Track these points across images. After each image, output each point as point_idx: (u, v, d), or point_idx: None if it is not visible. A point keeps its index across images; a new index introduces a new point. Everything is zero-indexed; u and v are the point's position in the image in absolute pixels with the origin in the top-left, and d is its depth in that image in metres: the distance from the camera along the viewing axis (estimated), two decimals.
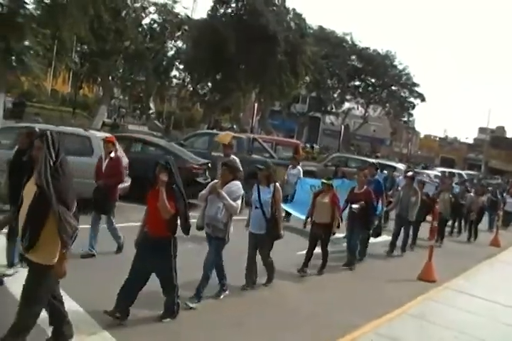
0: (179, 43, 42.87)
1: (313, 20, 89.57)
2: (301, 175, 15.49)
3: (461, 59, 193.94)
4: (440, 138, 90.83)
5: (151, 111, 53.43)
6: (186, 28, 40.20)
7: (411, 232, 13.47)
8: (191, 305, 7.06)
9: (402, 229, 12.91)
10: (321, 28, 54.42)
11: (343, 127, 56.65)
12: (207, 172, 14.85)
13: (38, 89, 33.45)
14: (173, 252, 6.24)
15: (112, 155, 9.47)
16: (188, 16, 41.33)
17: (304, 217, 11.08)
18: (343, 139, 57.01)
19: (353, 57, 57.41)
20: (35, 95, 39.80)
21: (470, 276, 11.73)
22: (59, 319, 5.20)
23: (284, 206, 13.79)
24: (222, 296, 7.62)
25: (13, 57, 21.56)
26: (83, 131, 13.41)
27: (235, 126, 46.14)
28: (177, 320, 6.53)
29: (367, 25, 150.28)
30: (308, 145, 46.58)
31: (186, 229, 6.28)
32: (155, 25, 40.85)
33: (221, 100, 40.98)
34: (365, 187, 10.94)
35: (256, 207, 8.17)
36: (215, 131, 25.91)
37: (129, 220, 10.02)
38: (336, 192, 10.37)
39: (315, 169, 21.93)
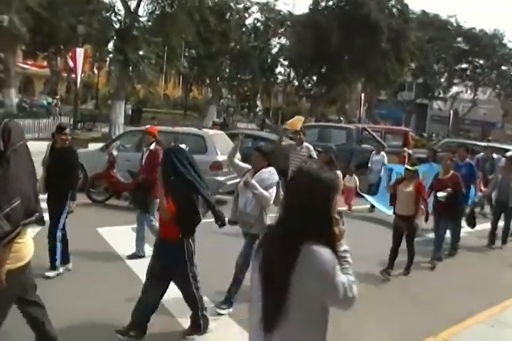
0: (283, 40, 43.48)
1: (415, 5, 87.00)
2: (386, 161, 14.68)
3: None
4: None
5: (258, 109, 54.47)
6: (289, 24, 40.73)
7: None
8: (222, 311, 6.21)
9: (503, 216, 11.46)
10: (424, 12, 52.95)
11: (451, 112, 54.87)
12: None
13: (152, 95, 35.36)
14: (186, 257, 5.26)
15: (152, 147, 8.85)
16: (290, 12, 41.89)
17: (389, 211, 10.57)
18: (452, 125, 55.25)
19: (459, 39, 55.22)
20: (150, 101, 41.97)
21: None
22: (36, 327, 4.56)
23: (367, 197, 13.80)
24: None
25: (130, 67, 23.03)
26: (197, 129, 14.32)
27: (341, 118, 46.10)
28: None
29: (472, 6, 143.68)
30: (416, 133, 45.67)
31: (186, 230, 5.27)
32: (258, 24, 41.77)
33: (327, 92, 41.15)
34: (451, 172, 9.72)
35: None
36: (324, 123, 26.26)
37: None
38: (423, 180, 9.58)
39: (425, 156, 21.60)
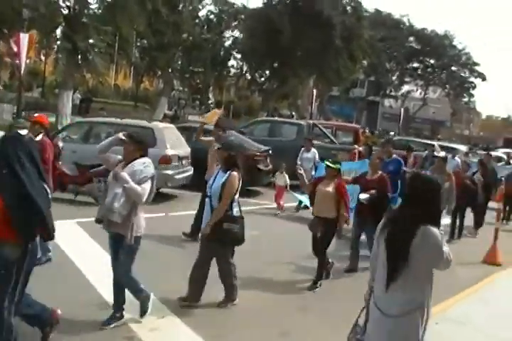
0: (236, 33, 43.31)
1: (369, 4, 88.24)
2: (317, 159, 13.66)
3: None
4: (503, 118, 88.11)
5: (210, 102, 54.16)
6: (242, 17, 40.56)
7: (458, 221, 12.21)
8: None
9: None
10: (377, 11, 53.73)
11: (402, 110, 55.88)
12: (268, 159, 15.19)
13: (102, 85, 34.62)
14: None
15: (38, 138, 7.72)
16: (243, 6, 41.80)
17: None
18: (402, 122, 56.23)
19: (411, 38, 56.50)
20: (100, 91, 41.08)
21: None
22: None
23: (297, 195, 12.98)
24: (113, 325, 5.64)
25: (79, 56, 22.42)
26: (146, 122, 14.03)
27: (293, 113, 46.25)
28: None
29: (424, 6, 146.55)
30: (367, 131, 46.24)
31: (27, 232, 4.25)
32: (211, 17, 41.45)
33: (279, 87, 41.21)
34: (379, 172, 8.90)
35: (207, 196, 6.59)
36: (276, 118, 26.27)
37: (188, 209, 10.45)
38: (349, 177, 9.15)
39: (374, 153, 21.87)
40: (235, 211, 6.48)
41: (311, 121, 20.89)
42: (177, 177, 12.91)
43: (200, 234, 6.91)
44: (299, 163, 13.11)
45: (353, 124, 29.69)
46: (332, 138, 19.13)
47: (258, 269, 8.12)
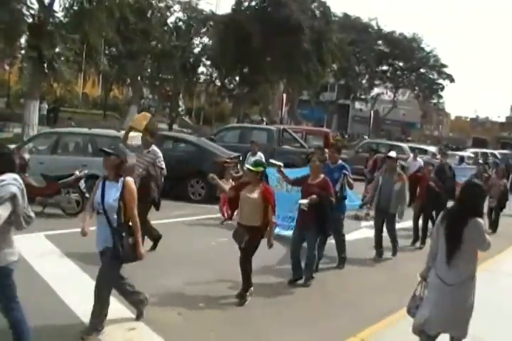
0: (205, 40, 43.17)
1: (337, 8, 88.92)
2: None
3: (490, 35, 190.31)
4: (471, 118, 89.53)
5: (180, 109, 53.88)
6: (211, 23, 40.46)
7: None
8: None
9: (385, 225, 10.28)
10: (345, 14, 54.12)
11: (372, 113, 56.38)
12: (238, 166, 15.17)
13: (70, 94, 34.16)
14: None
15: None
16: (212, 12, 41.66)
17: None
18: (373, 125, 56.71)
19: (380, 42, 56.98)
20: (68, 100, 40.55)
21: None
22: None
23: None
24: None
25: (45, 65, 22.06)
26: (116, 131, 13.93)
27: (264, 118, 46.27)
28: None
29: (391, 10, 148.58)
30: (338, 134, 46.55)
31: None
32: (180, 23, 41.24)
33: (249, 93, 41.16)
34: (321, 176, 8.19)
35: (98, 212, 5.66)
36: (245, 124, 26.26)
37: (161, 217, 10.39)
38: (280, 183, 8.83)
39: (346, 156, 21.96)
40: None
41: (281, 126, 20.94)
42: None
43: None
44: (244, 168, 12.12)
45: (323, 128, 29.74)
46: (302, 142, 19.20)
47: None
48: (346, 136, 50.13)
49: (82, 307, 6.08)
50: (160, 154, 9.36)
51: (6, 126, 28.37)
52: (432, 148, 28.19)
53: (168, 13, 39.61)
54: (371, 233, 10.90)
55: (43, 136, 14.82)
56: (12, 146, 14.01)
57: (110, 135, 13.52)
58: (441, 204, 11.16)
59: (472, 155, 26.84)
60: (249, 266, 7.15)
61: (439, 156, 22.57)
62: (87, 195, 11.88)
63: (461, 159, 23.33)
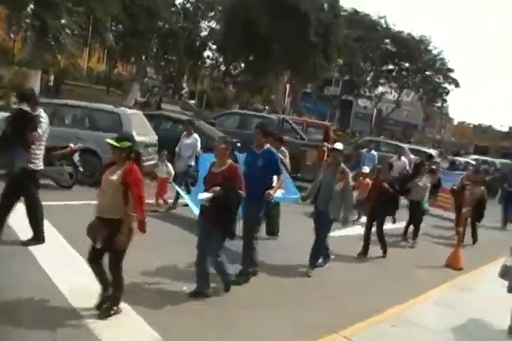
0: (212, 24, 42.87)
1: (346, 3, 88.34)
2: (199, 147, 11.87)
3: (499, 44, 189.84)
4: (474, 125, 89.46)
5: (183, 91, 53.68)
6: (220, 8, 40.12)
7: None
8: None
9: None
10: (355, 10, 53.75)
11: (375, 111, 56.20)
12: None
13: (74, 68, 33.85)
14: None
15: None
16: None
17: (196, 211, 7.83)
18: (375, 123, 56.62)
19: (387, 40, 56.57)
20: (72, 73, 40.19)
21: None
22: None
23: (178, 189, 10.74)
24: None
25: (50, 36, 21.81)
26: (113, 107, 13.72)
27: (267, 107, 46.06)
28: None
29: (401, 9, 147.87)
30: (337, 127, 46.41)
31: None
32: (188, 5, 40.88)
33: (253, 81, 40.93)
34: (228, 162, 6.55)
35: None
36: (245, 111, 26.02)
37: None
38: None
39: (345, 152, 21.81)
40: None
41: (281, 116, 20.69)
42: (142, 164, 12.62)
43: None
44: (177, 150, 11.89)
45: (324, 122, 29.50)
46: (302, 134, 18.97)
47: None
48: (349, 132, 49.98)
49: (68, 282, 5.99)
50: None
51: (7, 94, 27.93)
52: (433, 151, 28.12)
53: None
54: (390, 225, 10.99)
55: (41, 106, 14.54)
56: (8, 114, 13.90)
57: (107, 110, 13.35)
58: (393, 207, 10.45)
59: (473, 162, 26.63)
60: (120, 270, 5.60)
61: (438, 159, 22.61)
62: (80, 169, 11.74)
63: (452, 163, 22.93)
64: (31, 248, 7.29)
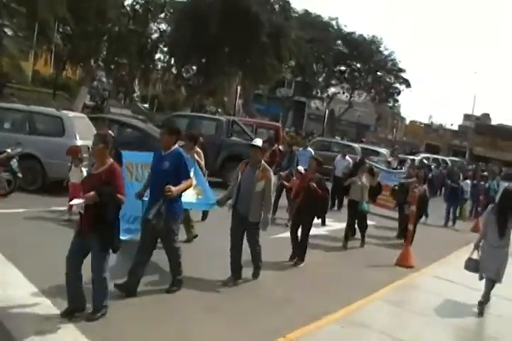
0: (163, 26, 42.46)
1: (298, 4, 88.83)
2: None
3: (447, 45, 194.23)
4: (425, 124, 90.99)
5: (135, 95, 53.00)
6: (171, 10, 39.73)
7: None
8: None
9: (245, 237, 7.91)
10: (306, 12, 54.05)
11: (327, 112, 56.47)
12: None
13: (19, 70, 32.86)
14: None
15: None
16: None
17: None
18: (328, 124, 56.88)
19: (339, 42, 57.06)
20: (15, 77, 39.06)
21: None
22: None
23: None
24: None
25: None
26: (55, 110, 13.31)
27: (219, 110, 45.81)
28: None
29: (352, 10, 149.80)
30: (291, 130, 46.45)
31: None
32: (137, 7, 40.30)
33: (205, 83, 40.65)
34: (109, 161, 5.77)
35: None
36: (193, 113, 25.78)
37: None
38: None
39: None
40: None
41: (230, 118, 20.53)
42: (85, 169, 12.24)
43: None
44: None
45: (274, 122, 29.42)
46: (251, 135, 18.82)
47: None
48: (302, 134, 49.98)
49: None
50: None
51: None
52: (384, 150, 28.39)
53: None
54: (337, 225, 10.71)
55: None
56: None
57: (49, 113, 12.93)
58: (322, 208, 9.55)
59: (425, 161, 26.91)
60: None
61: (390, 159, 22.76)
62: (19, 175, 11.23)
63: (402, 162, 22.96)
64: None
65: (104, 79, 50.06)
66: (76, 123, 12.85)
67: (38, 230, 8.95)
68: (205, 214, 11.28)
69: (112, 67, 43.90)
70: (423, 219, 13.96)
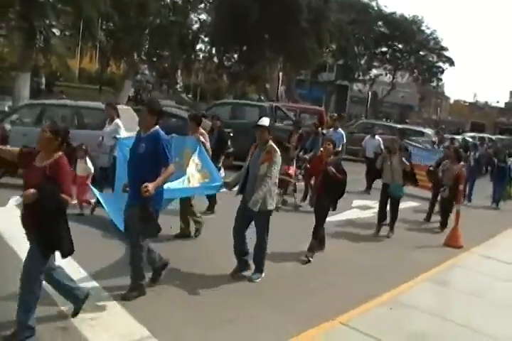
0: (203, 16, 42.69)
1: None
2: (122, 133, 10.30)
3: (492, 19, 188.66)
4: (470, 102, 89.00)
5: (178, 85, 53.50)
6: (210, 0, 39.94)
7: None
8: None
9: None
10: None
11: (370, 94, 55.85)
12: (229, 142, 14.87)
13: (67, 69, 33.61)
14: None
15: None
16: None
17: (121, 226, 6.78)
18: (371, 106, 56.29)
19: (380, 23, 56.12)
20: (64, 75, 40.08)
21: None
22: None
23: (95, 192, 8.09)
24: None
25: (38, 37, 21.65)
26: (100, 104, 13.71)
27: (262, 97, 45.85)
28: None
29: None
30: (335, 114, 46.11)
31: None
32: None
33: (246, 71, 40.77)
34: (57, 155, 4.96)
35: None
36: (237, 100, 25.92)
37: None
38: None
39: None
40: None
41: (273, 104, 20.64)
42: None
43: None
44: (100, 139, 10.69)
45: (317, 107, 29.37)
46: (295, 120, 18.92)
47: None
48: (345, 116, 49.59)
49: None
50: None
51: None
52: (429, 131, 27.99)
53: None
54: (363, 214, 10.62)
55: (28, 107, 14.60)
56: None
57: (94, 107, 13.31)
58: (339, 193, 8.68)
59: (471, 140, 26.43)
60: None
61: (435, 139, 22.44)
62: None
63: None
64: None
65: (147, 72, 50.70)
66: (121, 116, 13.18)
67: None
68: (211, 204, 10.68)
69: (154, 59, 44.38)
70: (465, 201, 13.61)
